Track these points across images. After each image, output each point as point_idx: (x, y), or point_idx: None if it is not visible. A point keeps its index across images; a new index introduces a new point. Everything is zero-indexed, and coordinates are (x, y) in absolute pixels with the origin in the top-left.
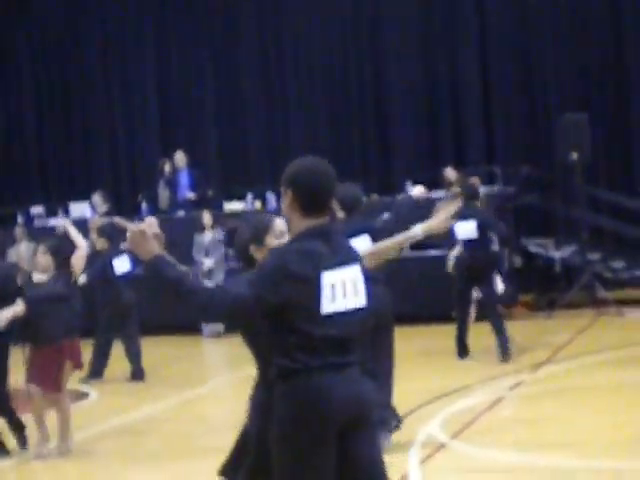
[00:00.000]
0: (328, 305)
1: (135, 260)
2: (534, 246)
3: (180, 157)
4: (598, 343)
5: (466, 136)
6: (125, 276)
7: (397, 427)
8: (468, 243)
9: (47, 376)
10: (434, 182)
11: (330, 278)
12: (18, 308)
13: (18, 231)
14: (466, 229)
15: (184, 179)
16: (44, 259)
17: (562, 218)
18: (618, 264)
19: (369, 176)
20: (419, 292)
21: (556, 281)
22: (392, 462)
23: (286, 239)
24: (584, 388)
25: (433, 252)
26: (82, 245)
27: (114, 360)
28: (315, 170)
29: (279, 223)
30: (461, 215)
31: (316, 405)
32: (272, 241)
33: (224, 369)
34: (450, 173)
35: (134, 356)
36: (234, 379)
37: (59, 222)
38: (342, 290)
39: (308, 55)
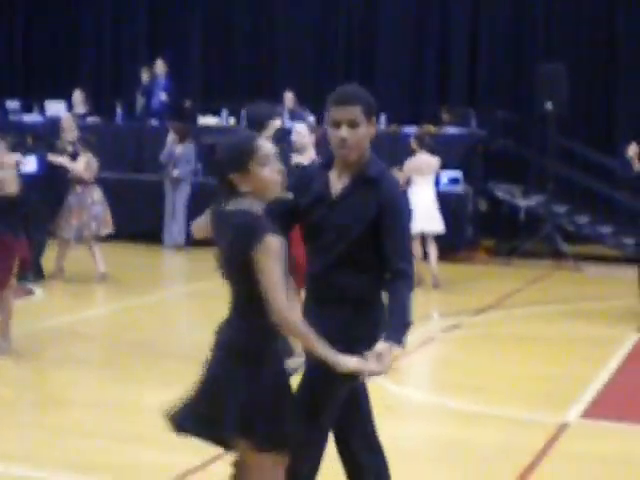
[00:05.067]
0: None
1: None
2: (501, 192)
3: (160, 65)
4: (546, 295)
5: (450, 76)
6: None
7: None
8: None
9: None
10: (413, 118)
11: None
12: None
13: None
14: None
15: (161, 87)
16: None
17: (533, 167)
18: (583, 219)
19: None
20: None
21: (519, 229)
22: None
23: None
24: (516, 337)
25: None
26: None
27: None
28: None
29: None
30: None
31: None
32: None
33: (179, 280)
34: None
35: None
36: (186, 291)
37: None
38: None
39: None
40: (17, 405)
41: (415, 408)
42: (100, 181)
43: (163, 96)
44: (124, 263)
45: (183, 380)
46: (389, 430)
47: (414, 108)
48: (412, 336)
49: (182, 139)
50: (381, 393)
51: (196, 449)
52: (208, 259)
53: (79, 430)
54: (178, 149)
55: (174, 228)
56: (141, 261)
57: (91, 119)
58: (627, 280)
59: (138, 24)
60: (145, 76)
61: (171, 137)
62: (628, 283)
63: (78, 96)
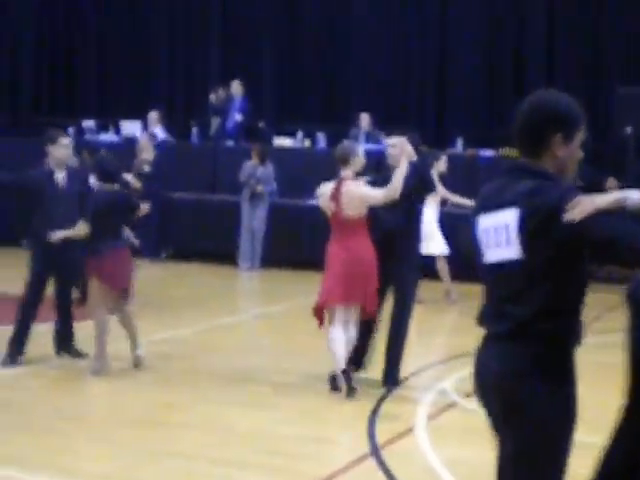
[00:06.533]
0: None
1: None
2: None
3: (236, 85)
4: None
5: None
6: None
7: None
8: None
9: (124, 274)
10: (485, 140)
11: (483, 222)
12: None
13: None
14: None
15: (237, 108)
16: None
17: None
18: None
19: (424, 127)
20: None
21: None
22: (400, 415)
23: None
24: (597, 365)
25: None
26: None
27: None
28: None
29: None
30: None
31: None
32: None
33: (256, 302)
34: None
35: None
36: (263, 313)
37: (111, 138)
38: (488, 238)
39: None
40: (111, 425)
41: None
42: (176, 201)
43: (238, 117)
44: (200, 284)
45: (268, 404)
46: (486, 455)
47: (488, 132)
48: None
49: (262, 160)
50: (473, 418)
51: (297, 474)
52: (284, 281)
53: (177, 452)
54: (259, 170)
55: (253, 249)
56: (218, 282)
57: (166, 139)
58: None
59: (211, 45)
60: (215, 97)
61: (254, 159)
62: None
63: (154, 116)
